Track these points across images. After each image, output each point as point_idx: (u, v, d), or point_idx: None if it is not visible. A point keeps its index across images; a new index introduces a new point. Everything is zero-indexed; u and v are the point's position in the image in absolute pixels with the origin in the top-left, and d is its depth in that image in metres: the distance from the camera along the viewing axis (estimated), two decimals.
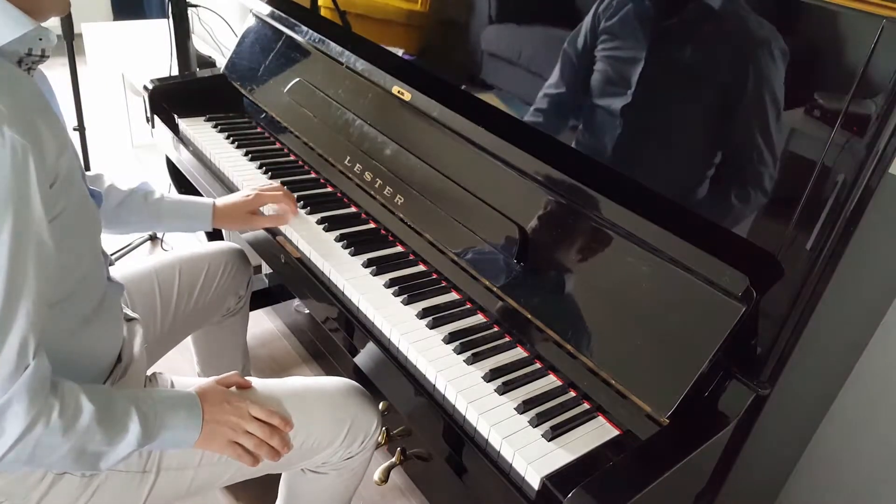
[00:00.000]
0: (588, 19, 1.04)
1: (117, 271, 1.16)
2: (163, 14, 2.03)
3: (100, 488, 0.89)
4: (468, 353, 0.97)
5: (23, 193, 0.67)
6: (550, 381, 0.97)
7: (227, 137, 1.57)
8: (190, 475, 0.96)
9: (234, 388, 0.97)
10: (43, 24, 0.77)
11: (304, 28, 1.54)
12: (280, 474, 1.18)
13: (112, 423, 0.77)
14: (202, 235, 2.00)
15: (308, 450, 1.04)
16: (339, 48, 1.45)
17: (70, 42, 2.17)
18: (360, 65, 1.39)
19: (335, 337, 1.15)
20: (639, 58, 0.97)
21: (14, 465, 0.70)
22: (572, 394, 0.94)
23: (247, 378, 1.07)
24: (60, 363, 0.83)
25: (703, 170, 0.90)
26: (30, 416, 0.68)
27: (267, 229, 1.30)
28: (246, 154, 1.51)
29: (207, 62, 2.34)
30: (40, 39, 0.76)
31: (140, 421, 0.79)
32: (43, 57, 0.78)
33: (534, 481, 0.80)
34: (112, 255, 1.96)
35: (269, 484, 1.22)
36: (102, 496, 0.89)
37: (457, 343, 0.99)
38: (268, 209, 1.28)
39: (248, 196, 1.25)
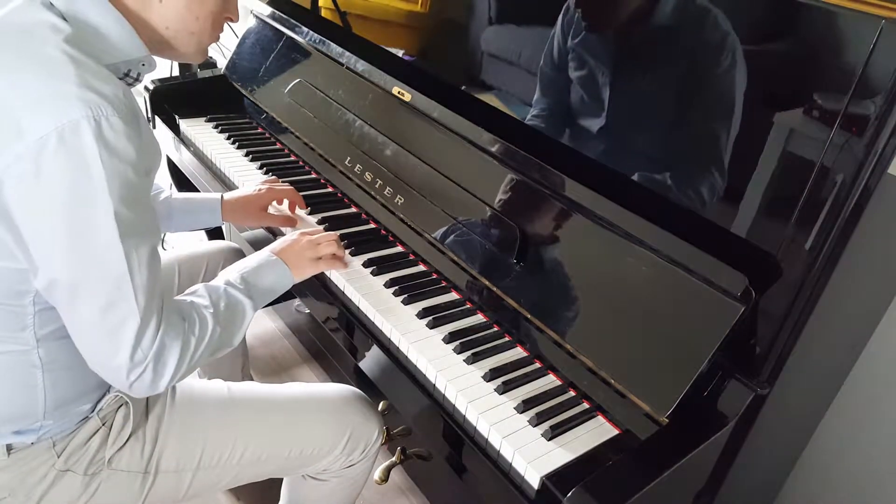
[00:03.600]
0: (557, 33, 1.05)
1: None
2: None
3: (101, 487, 0.89)
4: (468, 353, 0.98)
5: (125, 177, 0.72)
6: (550, 380, 0.97)
7: (228, 138, 1.57)
8: (188, 478, 0.96)
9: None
10: None
11: (305, 29, 1.54)
12: (281, 479, 1.18)
13: (227, 313, 0.88)
14: (203, 235, 2.00)
15: (308, 457, 1.04)
16: (339, 49, 1.45)
17: None
18: (361, 65, 1.39)
19: (335, 337, 1.15)
20: (624, 62, 0.98)
21: (185, 376, 0.82)
22: (572, 393, 0.95)
23: (247, 382, 1.08)
24: (80, 365, 0.84)
25: (702, 170, 0.90)
26: (178, 353, 0.79)
27: (268, 229, 1.31)
28: (247, 154, 1.51)
29: (208, 63, 2.33)
30: (143, 65, 0.83)
31: (244, 294, 0.92)
32: (137, 80, 0.84)
33: (533, 480, 0.81)
34: None
35: (271, 488, 1.22)
36: (103, 495, 0.90)
37: (457, 343, 0.99)
38: (272, 208, 1.28)
39: (259, 190, 1.26)
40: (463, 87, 1.25)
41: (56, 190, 0.68)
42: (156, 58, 0.87)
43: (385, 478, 1.28)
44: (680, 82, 0.93)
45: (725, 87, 0.87)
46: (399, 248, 1.22)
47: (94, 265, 0.72)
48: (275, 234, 1.28)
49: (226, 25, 0.91)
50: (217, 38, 0.89)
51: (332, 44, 1.47)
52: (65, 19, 0.73)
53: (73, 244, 0.70)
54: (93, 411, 0.90)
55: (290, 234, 1.09)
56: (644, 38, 0.97)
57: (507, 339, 1.03)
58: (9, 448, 0.83)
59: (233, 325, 0.89)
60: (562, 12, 1.05)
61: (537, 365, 0.99)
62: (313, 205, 1.32)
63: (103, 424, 0.90)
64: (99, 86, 0.69)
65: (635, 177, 0.97)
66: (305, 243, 1.06)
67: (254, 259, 1.00)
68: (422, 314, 1.05)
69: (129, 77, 0.82)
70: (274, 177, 1.38)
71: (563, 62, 1.06)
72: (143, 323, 0.74)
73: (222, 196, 1.25)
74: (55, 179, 0.68)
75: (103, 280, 0.72)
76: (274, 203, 1.28)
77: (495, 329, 1.05)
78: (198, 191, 1.57)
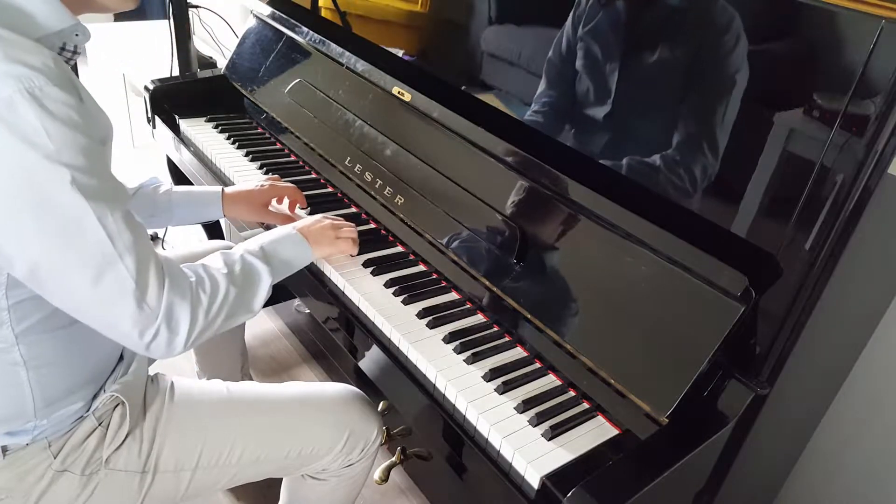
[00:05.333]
0: (567, 23, 1.05)
1: None
2: (163, 15, 2.04)
3: (99, 487, 0.89)
4: (468, 353, 0.98)
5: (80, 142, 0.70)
6: (550, 380, 0.97)
7: (228, 138, 1.57)
8: (187, 478, 0.96)
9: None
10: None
11: (305, 29, 1.54)
12: (281, 479, 1.18)
13: (242, 276, 0.88)
14: (203, 235, 2.00)
15: (307, 456, 1.04)
16: (339, 49, 1.45)
17: None
18: (361, 65, 1.39)
19: (335, 337, 1.15)
20: (622, 63, 0.98)
21: (204, 336, 0.82)
22: (572, 393, 0.95)
23: (246, 382, 1.08)
24: (66, 360, 0.84)
25: (701, 170, 0.90)
26: (189, 309, 0.78)
27: (267, 226, 1.31)
28: (247, 154, 1.51)
29: (208, 63, 2.34)
30: (77, 35, 0.79)
31: (261, 260, 0.92)
32: (76, 53, 0.80)
33: (533, 480, 0.81)
34: None
35: (270, 487, 1.22)
36: (101, 495, 0.90)
37: (457, 343, 0.99)
38: (272, 206, 1.28)
39: (261, 186, 1.26)
40: (463, 87, 1.25)
41: (6, 171, 0.66)
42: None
43: (385, 478, 1.28)
44: (682, 82, 0.93)
45: (728, 86, 0.87)
46: (399, 248, 1.22)
47: (71, 240, 0.70)
48: None
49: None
50: None
51: (332, 44, 1.47)
52: None
53: (43, 224, 0.68)
54: (88, 410, 0.89)
55: (313, 216, 1.11)
56: (651, 33, 0.97)
57: (507, 339, 1.03)
58: (4, 449, 0.83)
59: (249, 290, 0.89)
60: (574, 5, 1.04)
61: (537, 365, 0.99)
62: (313, 205, 1.32)
63: (100, 424, 0.90)
64: (25, 58, 0.67)
65: (635, 177, 0.97)
66: (328, 224, 1.09)
67: (274, 232, 1.01)
68: (422, 314, 1.05)
69: (66, 51, 0.79)
70: (276, 175, 1.38)
71: (571, 53, 1.06)
72: (139, 284, 0.73)
73: (223, 189, 1.25)
74: (2, 162, 0.66)
75: (85, 252, 0.70)
76: (273, 201, 1.28)
77: (495, 329, 1.05)
78: None
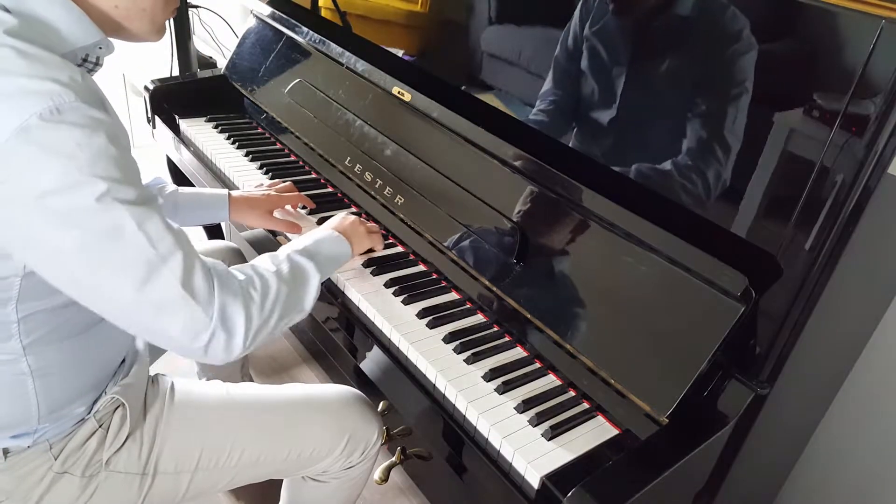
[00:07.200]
0: (574, 22, 1.05)
1: None
2: None
3: (99, 488, 0.89)
4: (468, 353, 0.98)
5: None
6: (550, 380, 0.97)
7: (228, 138, 1.57)
8: (186, 479, 0.96)
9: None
10: None
11: (305, 29, 1.54)
12: (281, 480, 1.18)
13: (291, 274, 0.88)
14: (203, 236, 2.00)
15: (307, 458, 1.04)
16: (339, 49, 1.45)
17: None
18: (361, 65, 1.39)
19: (335, 337, 1.15)
20: (624, 63, 0.98)
21: (260, 336, 0.80)
22: (572, 393, 0.95)
23: (246, 383, 1.08)
24: (72, 369, 0.84)
25: (701, 170, 0.90)
26: (242, 308, 0.77)
27: (268, 229, 1.30)
28: (247, 154, 1.51)
29: (208, 63, 2.34)
30: (100, 48, 0.78)
31: (307, 258, 0.92)
32: (97, 65, 0.80)
33: (533, 480, 0.81)
34: None
35: (271, 488, 1.22)
36: (101, 496, 0.90)
37: (456, 343, 0.99)
38: (278, 212, 1.28)
39: (267, 194, 1.26)
40: (463, 87, 1.25)
41: (39, 188, 0.64)
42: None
43: (385, 478, 1.28)
44: (683, 84, 0.93)
45: (728, 87, 0.86)
46: (399, 248, 1.22)
47: (112, 248, 0.68)
48: (275, 234, 1.28)
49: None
50: (173, 13, 0.84)
51: (332, 44, 1.47)
52: (8, 11, 0.69)
53: (82, 236, 0.67)
54: (89, 413, 0.89)
55: (338, 215, 1.12)
56: (654, 36, 0.96)
57: (506, 338, 1.03)
58: (5, 452, 0.83)
59: (300, 288, 0.88)
60: (578, 3, 1.04)
61: (537, 365, 0.99)
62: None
63: (100, 426, 0.90)
64: (53, 74, 0.66)
65: (635, 177, 0.97)
66: (356, 219, 1.11)
67: (313, 234, 1.02)
68: (422, 314, 1.05)
69: (88, 63, 0.78)
70: (279, 180, 1.37)
71: (577, 51, 1.06)
72: (186, 286, 0.72)
73: (229, 193, 1.24)
74: (32, 178, 0.64)
75: (127, 258, 0.69)
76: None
77: (495, 329, 1.05)
78: None
